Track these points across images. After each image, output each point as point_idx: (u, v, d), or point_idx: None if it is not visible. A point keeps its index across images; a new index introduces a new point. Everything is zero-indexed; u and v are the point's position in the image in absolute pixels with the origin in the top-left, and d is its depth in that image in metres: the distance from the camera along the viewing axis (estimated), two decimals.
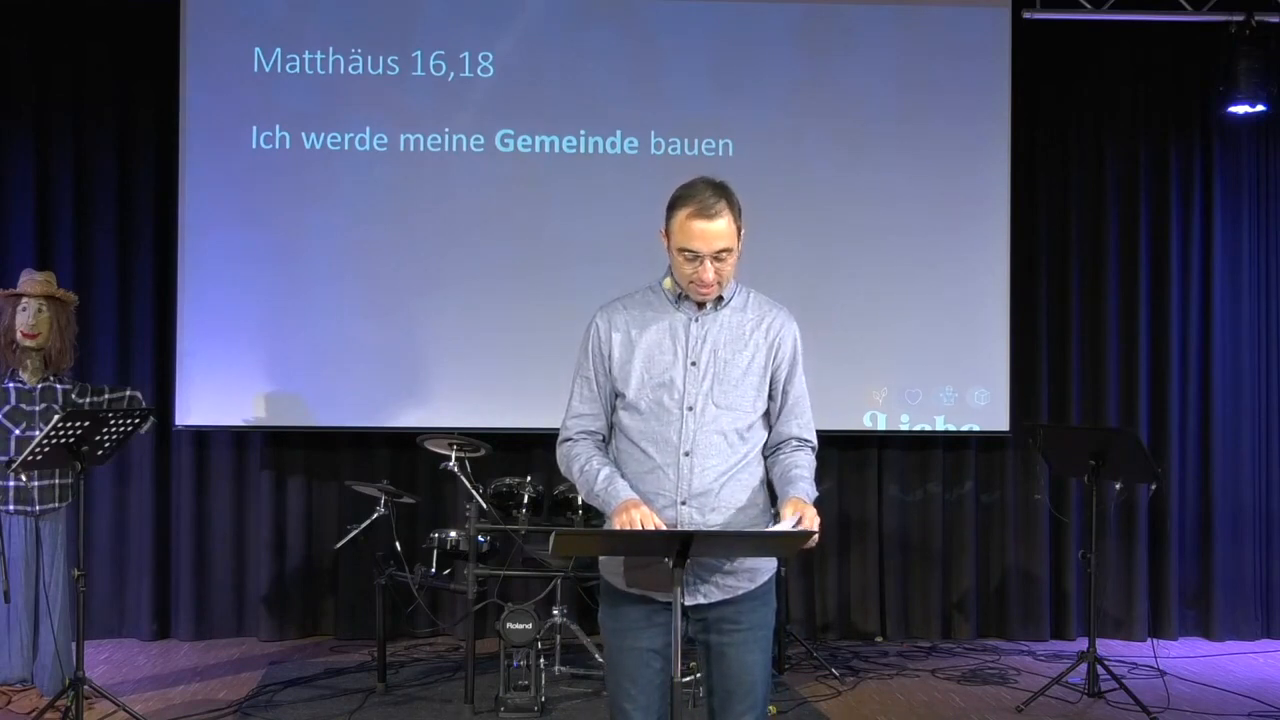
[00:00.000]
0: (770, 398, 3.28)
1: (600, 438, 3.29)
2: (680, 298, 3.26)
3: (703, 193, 3.16)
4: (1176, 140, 7.18)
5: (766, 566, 3.25)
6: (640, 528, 3.04)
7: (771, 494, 3.27)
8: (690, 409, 3.17)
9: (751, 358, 3.24)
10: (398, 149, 6.73)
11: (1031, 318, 7.10)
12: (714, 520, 3.16)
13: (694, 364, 3.20)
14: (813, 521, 3.07)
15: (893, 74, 6.89)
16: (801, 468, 3.22)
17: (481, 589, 5.78)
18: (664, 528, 3.08)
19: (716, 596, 3.20)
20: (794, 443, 3.28)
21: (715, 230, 3.14)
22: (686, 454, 3.17)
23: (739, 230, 3.20)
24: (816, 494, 3.21)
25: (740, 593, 3.21)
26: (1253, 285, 7.23)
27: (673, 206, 3.20)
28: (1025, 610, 7.08)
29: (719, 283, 3.19)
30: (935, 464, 7.08)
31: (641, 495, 3.15)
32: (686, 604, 3.13)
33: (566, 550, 3.10)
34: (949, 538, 7.09)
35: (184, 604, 6.79)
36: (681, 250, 3.16)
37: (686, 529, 3.11)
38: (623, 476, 3.20)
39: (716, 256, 3.15)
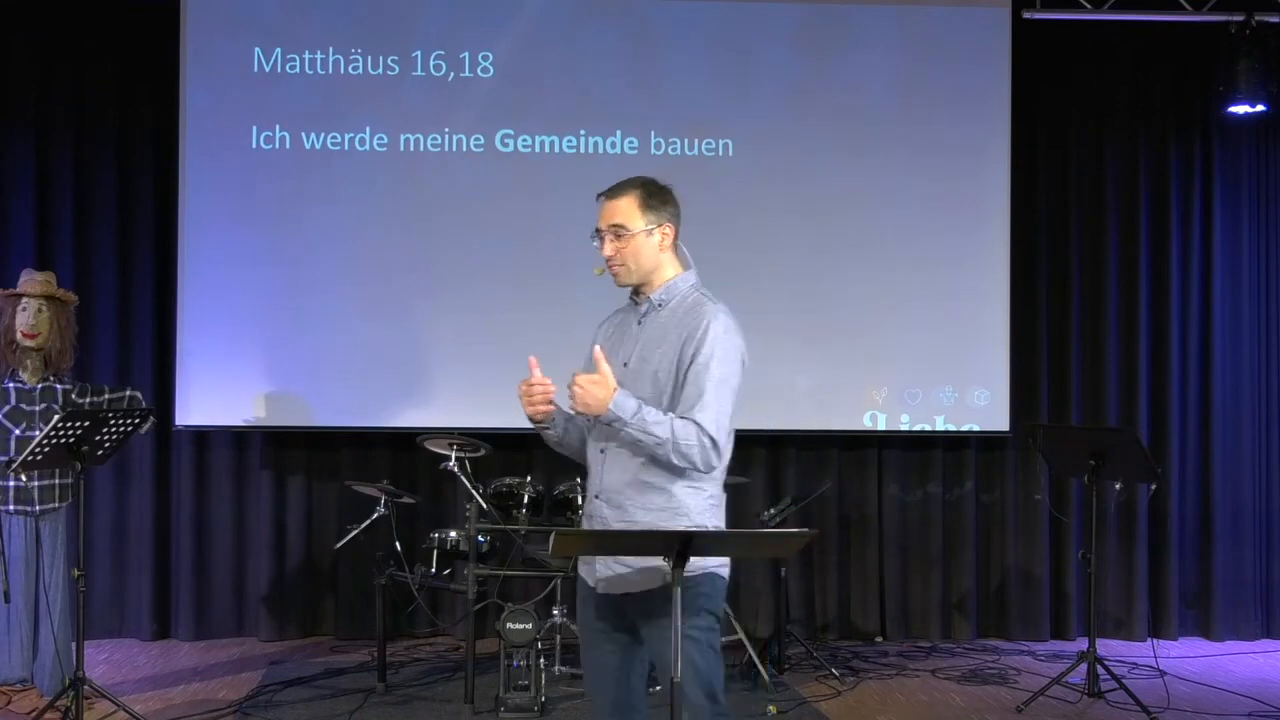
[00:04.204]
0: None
1: None
2: (634, 303, 3.44)
3: (620, 181, 3.41)
4: (1176, 140, 7.18)
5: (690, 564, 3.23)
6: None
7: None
8: None
9: (663, 358, 3.31)
10: (398, 149, 6.73)
11: (1031, 318, 7.10)
12: (618, 516, 3.29)
13: (625, 364, 3.35)
14: (582, 393, 3.17)
15: (893, 74, 6.89)
16: (662, 419, 3.19)
17: (481, 589, 5.78)
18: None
19: (622, 588, 3.30)
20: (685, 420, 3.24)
21: (612, 206, 3.36)
22: (602, 451, 3.34)
23: (653, 226, 3.34)
24: (654, 433, 3.17)
25: (645, 588, 3.27)
26: (1253, 285, 7.23)
27: None
28: (1025, 610, 7.08)
29: (623, 264, 3.34)
30: (935, 464, 7.08)
31: (588, 492, 3.41)
32: (601, 593, 3.32)
33: (566, 550, 3.12)
34: (949, 538, 7.09)
35: (184, 604, 6.79)
36: (593, 233, 3.39)
37: (604, 520, 3.29)
38: None
39: (613, 232, 3.34)
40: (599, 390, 3.19)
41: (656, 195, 3.38)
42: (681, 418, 3.23)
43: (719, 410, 3.25)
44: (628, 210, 3.34)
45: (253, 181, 6.69)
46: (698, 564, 3.23)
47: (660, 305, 3.38)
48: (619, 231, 3.33)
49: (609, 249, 3.35)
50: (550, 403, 3.36)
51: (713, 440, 3.23)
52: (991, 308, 6.91)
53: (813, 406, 6.85)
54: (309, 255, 6.71)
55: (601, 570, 3.31)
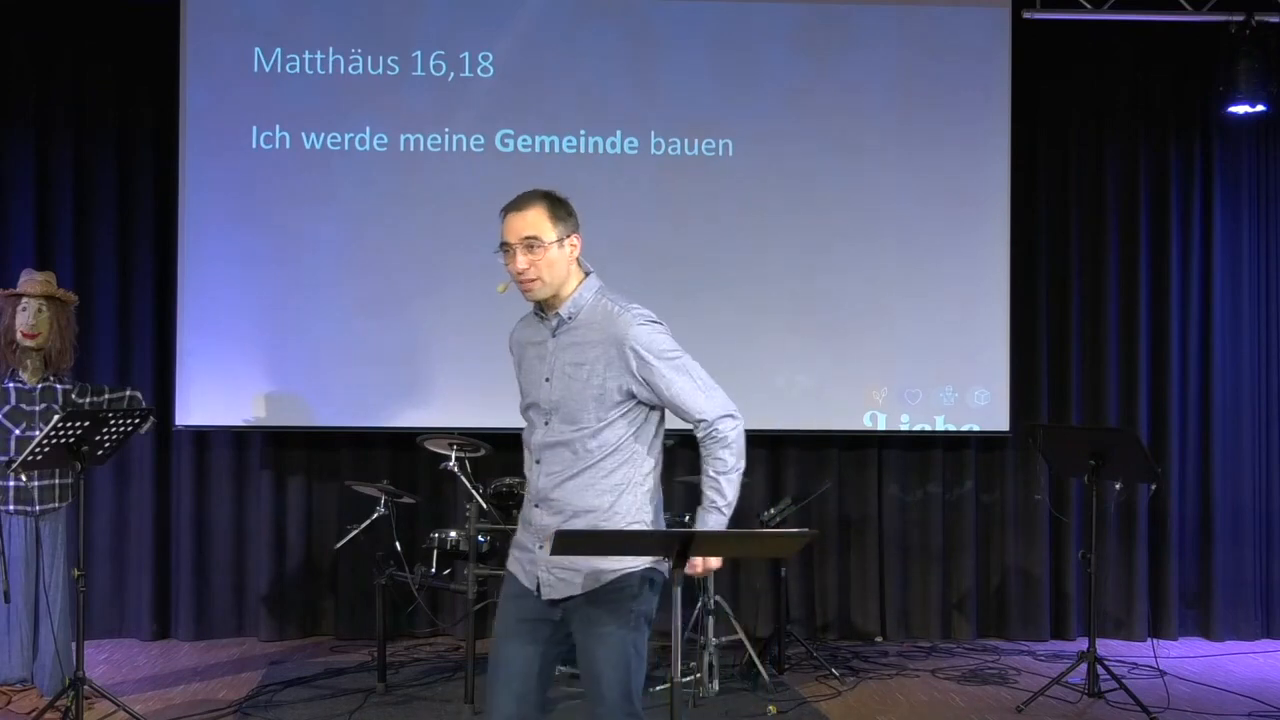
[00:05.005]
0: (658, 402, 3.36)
1: None
2: (541, 318, 3.43)
3: (520, 195, 3.38)
4: (1176, 140, 7.18)
5: (614, 567, 3.27)
6: None
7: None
8: (546, 422, 3.35)
9: (589, 371, 3.31)
10: (398, 149, 6.73)
11: (1031, 318, 7.10)
12: (556, 522, 3.29)
13: (548, 380, 3.36)
14: (705, 567, 3.30)
15: (893, 74, 6.89)
16: (710, 482, 3.33)
17: (481, 589, 5.78)
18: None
19: (564, 591, 3.30)
20: (701, 429, 3.34)
21: (521, 218, 3.32)
22: (538, 461, 3.37)
23: (563, 237, 3.33)
24: (732, 494, 3.34)
25: (586, 590, 3.28)
26: (1253, 285, 7.23)
27: None
28: (1025, 610, 7.08)
29: (537, 277, 3.32)
30: (935, 464, 7.08)
31: (526, 500, 3.45)
32: (542, 597, 3.31)
33: (566, 550, 3.11)
34: (949, 538, 7.09)
35: (184, 604, 6.79)
36: (500, 246, 3.35)
37: (545, 528, 3.30)
38: None
39: (525, 245, 3.30)
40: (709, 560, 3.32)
41: (561, 206, 3.36)
42: (706, 431, 3.32)
43: (709, 389, 3.34)
44: (537, 222, 3.31)
45: (253, 181, 6.69)
46: (624, 564, 3.27)
47: (572, 318, 3.36)
48: (532, 244, 3.30)
49: (522, 262, 3.30)
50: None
51: (731, 415, 3.34)
52: (991, 308, 6.91)
53: (813, 406, 6.85)
54: (309, 255, 6.71)
55: (545, 577, 3.31)
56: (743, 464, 3.34)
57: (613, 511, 3.29)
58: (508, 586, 3.45)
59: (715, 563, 3.34)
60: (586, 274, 3.42)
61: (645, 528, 3.34)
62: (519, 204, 3.35)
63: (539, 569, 3.32)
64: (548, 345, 3.39)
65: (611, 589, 3.26)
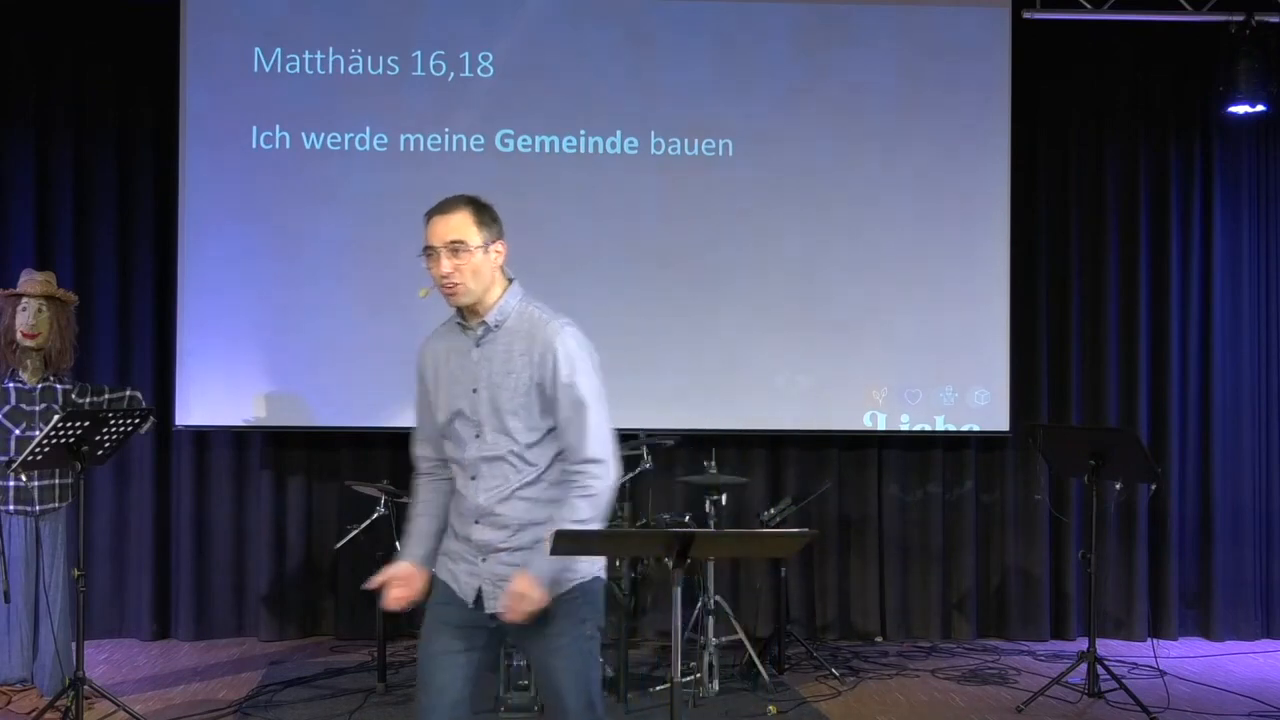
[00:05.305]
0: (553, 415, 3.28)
1: (434, 463, 3.46)
2: (460, 325, 3.39)
3: (442, 200, 3.36)
4: (1176, 140, 7.18)
5: (566, 576, 3.24)
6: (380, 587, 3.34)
7: None
8: (477, 436, 3.27)
9: (518, 379, 3.27)
10: (398, 149, 6.73)
11: (1031, 317, 7.10)
12: (499, 537, 3.24)
13: (475, 390, 3.29)
14: (518, 607, 3.13)
15: (893, 74, 6.89)
16: (560, 520, 3.15)
17: None
18: (396, 590, 3.36)
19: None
20: (571, 467, 3.23)
21: (445, 222, 3.31)
22: (473, 478, 3.28)
23: (488, 242, 3.31)
24: (564, 551, 3.10)
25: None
26: (1253, 285, 7.23)
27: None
28: (1025, 610, 7.08)
29: (461, 282, 3.29)
30: (935, 464, 7.08)
31: (457, 514, 3.33)
32: (486, 610, 3.26)
33: (566, 550, 3.10)
34: (949, 538, 7.09)
35: (184, 604, 6.79)
36: (424, 250, 3.33)
37: (486, 543, 3.24)
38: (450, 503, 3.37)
39: (450, 249, 3.28)
40: (525, 595, 3.12)
41: (486, 212, 3.33)
42: (574, 469, 3.20)
43: (598, 432, 3.23)
44: (463, 226, 3.29)
45: (253, 181, 6.69)
46: (576, 573, 3.23)
47: (497, 326, 3.31)
48: (457, 248, 3.27)
49: (446, 266, 3.27)
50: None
51: (605, 465, 3.22)
52: (991, 308, 6.91)
53: (813, 406, 6.84)
54: (309, 255, 6.71)
55: (490, 589, 3.24)
56: (600, 522, 3.22)
57: (555, 524, 3.19)
58: (436, 594, 3.36)
59: (528, 607, 3.15)
60: (510, 281, 3.39)
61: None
62: (444, 208, 3.33)
63: (482, 581, 3.27)
64: (472, 355, 3.32)
65: (562, 600, 3.22)
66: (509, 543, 3.24)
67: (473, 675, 3.36)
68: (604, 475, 3.22)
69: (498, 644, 3.39)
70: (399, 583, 3.36)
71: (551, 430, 3.26)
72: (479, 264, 3.30)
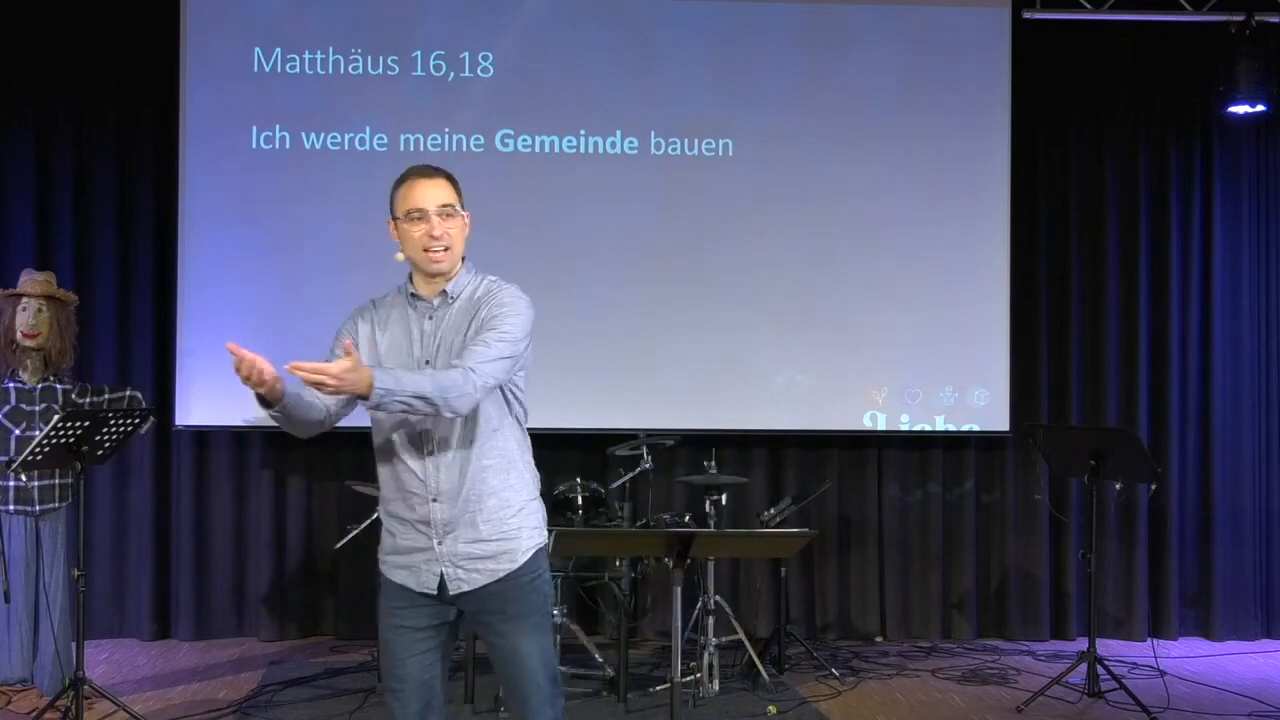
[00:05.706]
0: None
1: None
2: (414, 296, 3.31)
3: (418, 166, 3.33)
4: (1176, 140, 7.18)
5: (525, 545, 3.24)
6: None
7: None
8: None
9: (466, 341, 3.21)
10: (398, 149, 6.73)
11: (1031, 318, 7.10)
12: (460, 511, 3.19)
13: (428, 362, 3.23)
14: (340, 383, 3.10)
15: (893, 74, 6.89)
16: (422, 372, 3.12)
17: None
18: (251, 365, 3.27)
19: (479, 582, 3.21)
20: (453, 361, 3.18)
21: (435, 185, 3.26)
22: (430, 454, 3.21)
23: (464, 216, 3.30)
24: (411, 391, 3.03)
25: (502, 574, 3.21)
26: (1253, 285, 7.23)
27: (394, 190, 3.33)
28: (1025, 610, 7.08)
29: (449, 246, 3.25)
30: (935, 464, 7.08)
31: (399, 493, 3.25)
32: (450, 594, 3.20)
33: (566, 550, 3.10)
34: (949, 538, 7.09)
35: (184, 604, 6.79)
36: (409, 213, 3.24)
37: (447, 522, 3.18)
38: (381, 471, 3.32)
39: (442, 213, 3.23)
40: (355, 375, 3.06)
41: (458, 185, 3.32)
42: (448, 366, 3.13)
43: (495, 363, 3.15)
44: (450, 192, 3.27)
45: (253, 181, 6.69)
46: (534, 540, 3.22)
47: (453, 299, 3.29)
48: (449, 211, 3.24)
49: (441, 228, 3.22)
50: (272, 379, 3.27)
51: (476, 379, 3.11)
52: (991, 307, 6.91)
53: (813, 406, 6.84)
54: (309, 255, 6.71)
55: (452, 572, 3.20)
56: (441, 409, 3.07)
57: (507, 488, 3.23)
58: (392, 600, 3.29)
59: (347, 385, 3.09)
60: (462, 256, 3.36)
61: (537, 501, 3.33)
62: (429, 173, 3.30)
63: (442, 565, 3.21)
64: (424, 327, 3.27)
65: (524, 572, 3.21)
66: (473, 516, 3.20)
67: (440, 673, 3.30)
68: (467, 385, 3.08)
69: (455, 633, 3.34)
70: (257, 363, 3.29)
71: (504, 401, 3.24)
72: (462, 230, 3.30)
